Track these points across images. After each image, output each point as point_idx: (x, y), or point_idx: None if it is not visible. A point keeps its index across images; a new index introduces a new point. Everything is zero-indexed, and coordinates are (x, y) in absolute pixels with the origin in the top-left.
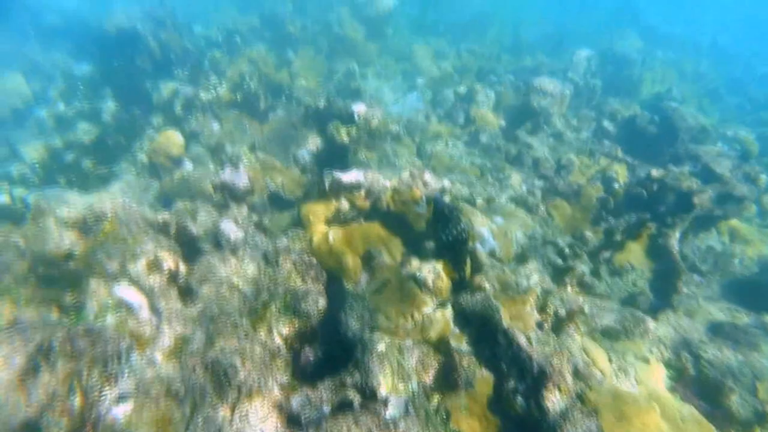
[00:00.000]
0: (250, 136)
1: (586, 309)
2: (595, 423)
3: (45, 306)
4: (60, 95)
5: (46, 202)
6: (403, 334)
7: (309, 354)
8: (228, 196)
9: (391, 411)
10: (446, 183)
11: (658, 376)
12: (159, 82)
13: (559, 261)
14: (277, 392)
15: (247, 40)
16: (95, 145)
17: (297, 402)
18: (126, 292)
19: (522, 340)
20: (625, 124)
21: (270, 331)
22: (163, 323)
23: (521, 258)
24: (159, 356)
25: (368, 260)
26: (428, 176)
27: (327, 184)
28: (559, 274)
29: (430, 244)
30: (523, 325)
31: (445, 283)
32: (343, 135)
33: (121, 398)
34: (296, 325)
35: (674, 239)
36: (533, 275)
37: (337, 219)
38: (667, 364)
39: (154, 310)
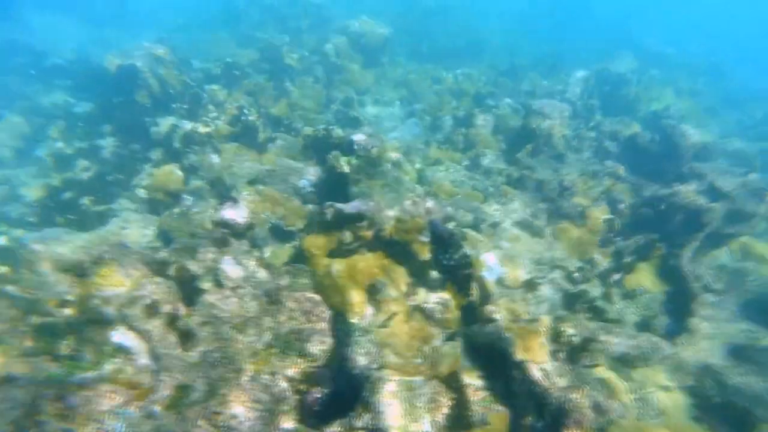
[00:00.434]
0: (249, 168)
1: (601, 336)
2: None
3: (39, 357)
4: (60, 134)
5: (42, 246)
6: (413, 370)
7: (316, 395)
8: (228, 232)
9: None
10: (449, 210)
11: (680, 405)
12: (158, 117)
13: (569, 286)
14: None
15: (246, 73)
16: (94, 182)
17: None
18: (123, 337)
19: (537, 373)
20: (626, 143)
21: (274, 374)
22: (163, 372)
23: (530, 284)
24: (158, 408)
25: (373, 293)
26: (431, 204)
27: (329, 216)
28: (569, 300)
29: (435, 274)
30: (537, 356)
31: (453, 314)
32: (343, 165)
33: None
34: (301, 367)
35: (686, 259)
36: (544, 302)
37: (339, 251)
38: (690, 392)
39: (154, 355)
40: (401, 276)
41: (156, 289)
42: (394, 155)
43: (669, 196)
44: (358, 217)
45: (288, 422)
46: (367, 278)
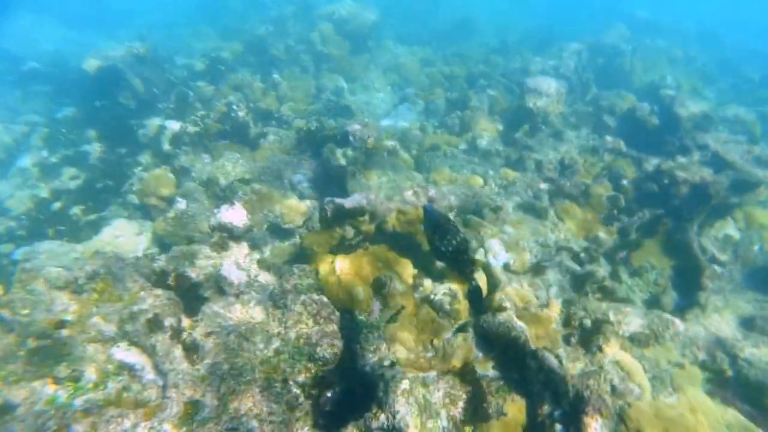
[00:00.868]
0: (243, 166)
1: (611, 316)
2: None
3: (38, 381)
4: (43, 142)
5: (33, 263)
6: (426, 365)
7: (329, 397)
8: (227, 236)
9: None
10: (452, 198)
11: (695, 381)
12: (144, 118)
13: (577, 267)
14: None
15: (231, 67)
16: (83, 190)
17: None
18: (126, 354)
19: (553, 362)
20: (625, 117)
21: (285, 381)
22: (170, 388)
23: (537, 268)
24: (168, 427)
25: (379, 287)
26: (433, 192)
27: (329, 213)
28: (578, 281)
29: (440, 264)
30: (551, 342)
31: (462, 304)
32: (340, 157)
33: None
34: (313, 371)
35: (692, 233)
36: (552, 286)
37: (342, 246)
38: (703, 367)
39: (159, 371)
40: (407, 268)
41: (156, 301)
42: (389, 143)
43: (673, 169)
44: (358, 211)
45: (303, 429)
46: (371, 273)
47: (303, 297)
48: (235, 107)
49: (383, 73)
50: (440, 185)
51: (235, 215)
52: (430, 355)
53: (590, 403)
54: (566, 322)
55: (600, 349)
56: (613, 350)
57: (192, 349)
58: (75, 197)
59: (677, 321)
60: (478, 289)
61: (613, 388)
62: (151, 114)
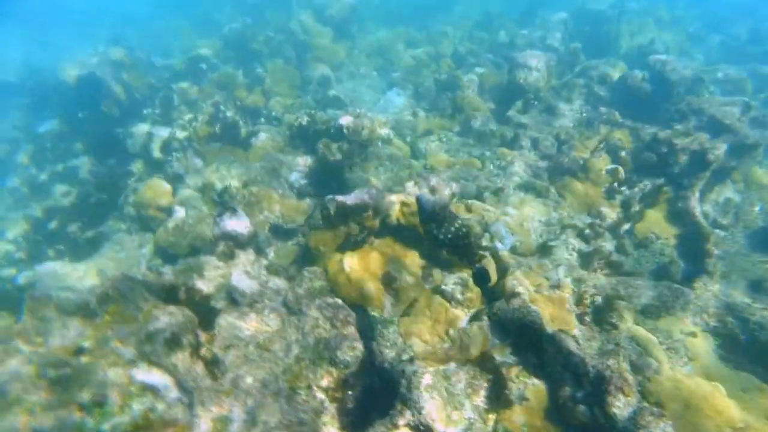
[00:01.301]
0: (237, 168)
1: (621, 291)
2: (669, 425)
3: (64, 409)
4: (30, 159)
5: (40, 289)
6: (444, 356)
7: (351, 397)
8: (232, 245)
9: None
10: (454, 186)
11: (708, 349)
12: (130, 126)
13: (582, 244)
14: None
15: (213, 64)
16: (77, 206)
17: None
18: (147, 374)
19: (571, 344)
20: (617, 85)
21: (309, 387)
22: (197, 406)
23: (544, 249)
24: None
25: (389, 282)
26: (434, 181)
27: (332, 211)
28: (585, 258)
29: (446, 253)
30: (566, 323)
31: (474, 292)
32: (335, 151)
33: None
34: (335, 375)
35: (694, 200)
36: (561, 265)
37: (348, 244)
38: (714, 334)
39: (182, 389)
40: (414, 260)
41: (172, 320)
42: (383, 132)
43: (670, 137)
44: (362, 207)
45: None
46: (380, 268)
47: (318, 301)
48: (222, 107)
49: (368, 58)
50: (438, 171)
51: (238, 223)
52: (446, 346)
53: (612, 382)
54: (578, 301)
55: (614, 326)
56: (626, 325)
57: (213, 364)
58: (70, 214)
59: (686, 290)
60: (482, 271)
61: (632, 365)
62: (136, 121)
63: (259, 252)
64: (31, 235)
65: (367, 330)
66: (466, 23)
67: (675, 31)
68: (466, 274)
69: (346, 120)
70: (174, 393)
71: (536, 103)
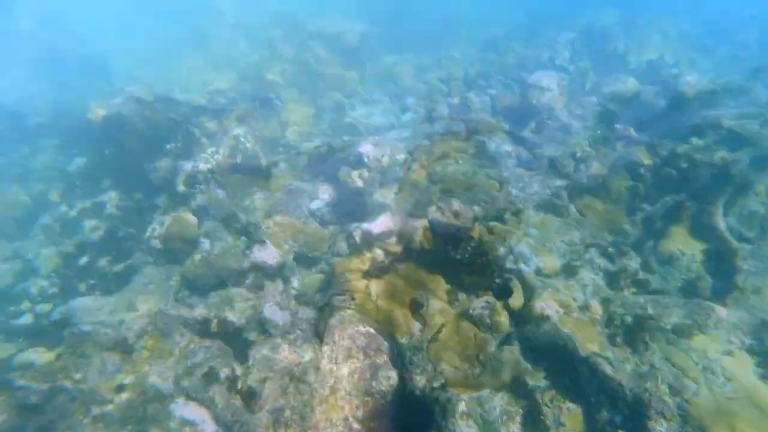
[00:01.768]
0: (260, 198)
1: (651, 310)
2: None
3: None
4: (60, 196)
5: (77, 325)
6: (475, 382)
7: (385, 426)
8: (261, 275)
9: None
10: (476, 209)
11: (746, 368)
12: (154, 161)
13: (608, 263)
14: None
15: (231, 98)
16: (106, 241)
17: None
18: (185, 409)
19: (606, 367)
20: (630, 102)
21: (346, 419)
22: None
23: (569, 269)
24: None
25: (416, 308)
26: (457, 206)
27: (358, 239)
28: (611, 278)
29: (473, 277)
30: (598, 346)
31: (503, 316)
32: (356, 179)
33: None
34: (370, 405)
35: (718, 215)
36: (588, 286)
37: (373, 270)
38: (752, 352)
39: (221, 423)
40: (440, 285)
41: (208, 353)
42: (401, 157)
43: (690, 152)
44: (386, 234)
45: None
46: (407, 294)
47: (349, 331)
48: (242, 139)
49: (379, 84)
50: (458, 194)
51: (267, 254)
52: (477, 371)
53: (651, 406)
54: (608, 322)
55: (647, 347)
56: (660, 345)
57: (250, 397)
58: (99, 249)
59: (718, 307)
60: (504, 285)
61: (669, 387)
62: (160, 156)
63: (285, 281)
64: (63, 271)
65: (396, 357)
66: (473, 47)
67: (683, 45)
68: (492, 298)
69: (366, 148)
70: (212, 427)
71: (550, 122)
